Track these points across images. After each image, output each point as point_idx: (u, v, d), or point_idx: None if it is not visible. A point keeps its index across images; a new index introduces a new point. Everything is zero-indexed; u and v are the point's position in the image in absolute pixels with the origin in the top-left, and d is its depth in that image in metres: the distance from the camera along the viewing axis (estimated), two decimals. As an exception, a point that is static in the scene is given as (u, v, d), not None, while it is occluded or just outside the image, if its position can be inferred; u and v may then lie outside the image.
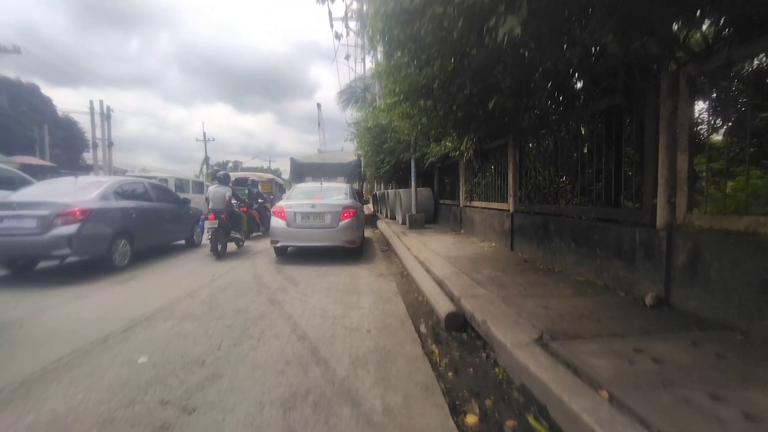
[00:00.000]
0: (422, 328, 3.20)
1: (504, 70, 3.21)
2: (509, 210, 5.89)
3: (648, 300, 3.00)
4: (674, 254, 2.90)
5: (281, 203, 6.71)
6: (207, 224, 6.76)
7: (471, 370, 2.45)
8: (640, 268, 3.21)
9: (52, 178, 9.81)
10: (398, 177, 13.69)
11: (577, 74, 3.51)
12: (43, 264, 5.83)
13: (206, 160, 40.99)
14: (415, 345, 2.82)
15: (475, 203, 7.75)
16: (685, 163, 2.85)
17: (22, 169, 10.01)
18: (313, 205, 6.35)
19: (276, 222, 6.38)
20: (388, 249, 7.68)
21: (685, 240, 2.81)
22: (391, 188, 15.17)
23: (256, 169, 44.48)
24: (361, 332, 3.08)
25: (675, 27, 2.88)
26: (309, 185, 8.65)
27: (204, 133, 40.83)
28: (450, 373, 2.40)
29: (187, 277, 5.16)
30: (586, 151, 4.29)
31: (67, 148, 27.30)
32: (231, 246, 7.59)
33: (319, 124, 42.33)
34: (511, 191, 5.88)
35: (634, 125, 3.42)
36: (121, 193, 6.10)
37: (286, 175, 29.82)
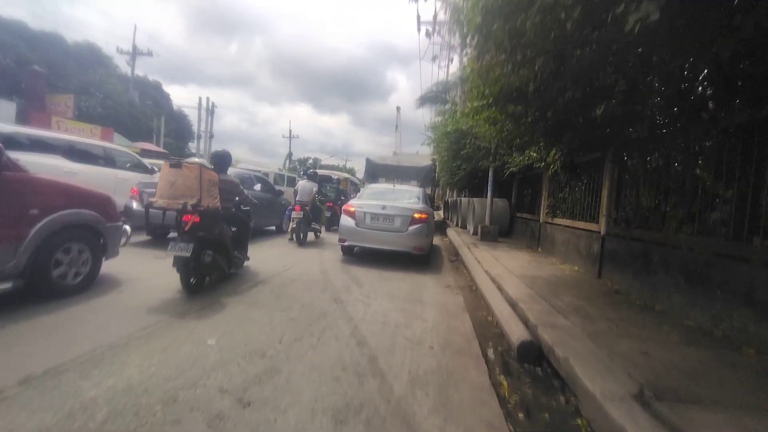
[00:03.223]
0: (490, 353, 2.91)
1: (616, 71, 2.75)
2: (600, 231, 5.21)
3: (792, 366, 2.35)
4: (840, 313, 2.23)
5: (352, 202, 6.74)
6: (294, 214, 7.49)
7: (546, 414, 2.12)
8: (783, 323, 2.54)
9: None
10: (473, 185, 13.13)
11: (711, 77, 2.88)
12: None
13: (289, 155, 43.98)
14: (482, 372, 2.55)
15: (558, 220, 7.04)
16: None
17: (141, 154, 11.70)
18: (383, 207, 6.22)
19: (345, 220, 6.34)
20: (456, 260, 7.33)
21: None
22: (464, 196, 14.65)
23: (333, 167, 46.53)
24: (423, 347, 2.89)
25: None
26: (381, 186, 8.64)
27: (290, 131, 43.79)
28: (520, 414, 2.10)
29: (262, 265, 5.39)
30: (707, 173, 3.56)
31: (177, 137, 31.60)
32: (309, 236, 8.17)
33: (396, 127, 42.80)
34: (604, 211, 5.19)
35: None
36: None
37: (359, 175, 30.70)
